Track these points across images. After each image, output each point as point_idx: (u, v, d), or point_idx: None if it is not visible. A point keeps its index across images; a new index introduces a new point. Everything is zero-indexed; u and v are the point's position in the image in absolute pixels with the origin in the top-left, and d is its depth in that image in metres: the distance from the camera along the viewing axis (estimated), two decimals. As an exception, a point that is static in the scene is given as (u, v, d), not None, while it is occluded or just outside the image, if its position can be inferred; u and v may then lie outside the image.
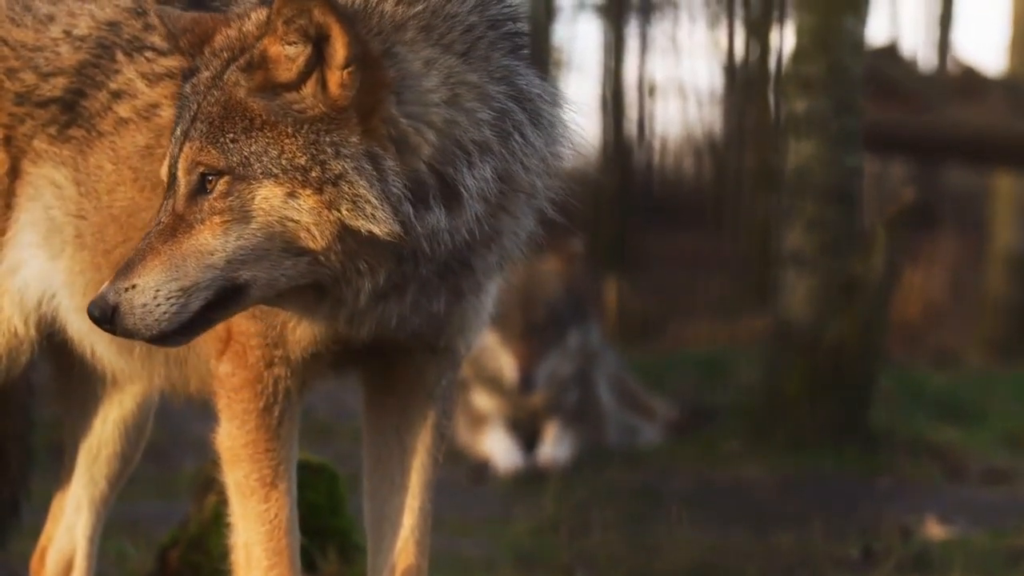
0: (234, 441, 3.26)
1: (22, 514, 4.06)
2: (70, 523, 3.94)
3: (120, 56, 3.48)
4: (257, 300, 2.97)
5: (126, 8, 3.51)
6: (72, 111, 3.50)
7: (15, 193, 3.55)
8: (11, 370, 3.67)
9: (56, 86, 3.52)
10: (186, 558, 4.41)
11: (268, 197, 2.88)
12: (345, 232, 2.88)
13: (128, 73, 3.46)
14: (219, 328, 3.25)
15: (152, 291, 2.90)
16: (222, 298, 2.93)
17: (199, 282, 2.91)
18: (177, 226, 2.93)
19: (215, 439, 3.29)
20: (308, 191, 2.87)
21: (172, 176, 2.97)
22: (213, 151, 2.91)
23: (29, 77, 3.54)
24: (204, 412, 3.41)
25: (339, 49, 2.87)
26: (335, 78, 2.88)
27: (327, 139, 2.88)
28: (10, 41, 3.57)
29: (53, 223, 3.51)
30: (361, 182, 2.86)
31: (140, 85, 3.44)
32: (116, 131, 3.44)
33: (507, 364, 7.55)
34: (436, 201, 2.93)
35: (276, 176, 2.88)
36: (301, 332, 3.20)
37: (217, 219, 2.90)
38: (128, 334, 2.93)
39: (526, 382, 7.52)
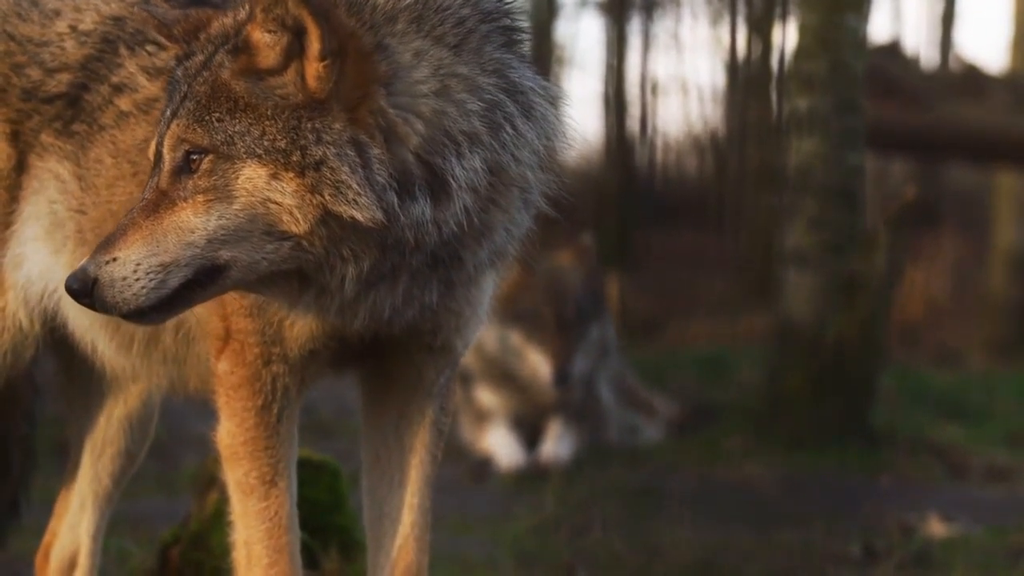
0: (233, 439, 3.26)
1: (22, 514, 4.06)
2: (74, 520, 3.95)
3: (123, 50, 3.49)
4: (238, 282, 2.96)
5: (131, 3, 3.52)
6: (76, 106, 3.51)
7: (21, 187, 3.55)
8: (16, 365, 3.67)
9: (61, 82, 3.53)
10: (187, 555, 4.41)
11: (252, 177, 2.89)
12: (328, 216, 2.88)
13: (129, 67, 3.47)
14: (218, 326, 3.26)
15: (132, 265, 2.90)
16: (202, 278, 2.92)
17: (179, 259, 2.90)
18: (160, 202, 2.93)
19: (215, 437, 3.29)
20: (290, 174, 2.87)
21: (158, 154, 2.98)
22: (198, 129, 2.92)
23: (35, 73, 3.55)
24: (205, 409, 3.41)
25: (314, 42, 2.89)
26: (312, 70, 2.89)
27: (308, 125, 2.88)
28: (17, 36, 3.58)
29: (56, 217, 3.52)
30: (343, 168, 2.86)
31: (141, 79, 3.45)
32: (117, 125, 3.45)
33: (539, 361, 7.46)
34: (422, 191, 2.92)
35: (259, 157, 2.88)
36: (298, 329, 3.20)
37: (200, 198, 2.90)
38: (106, 308, 2.92)
39: (563, 378, 7.45)
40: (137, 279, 2.89)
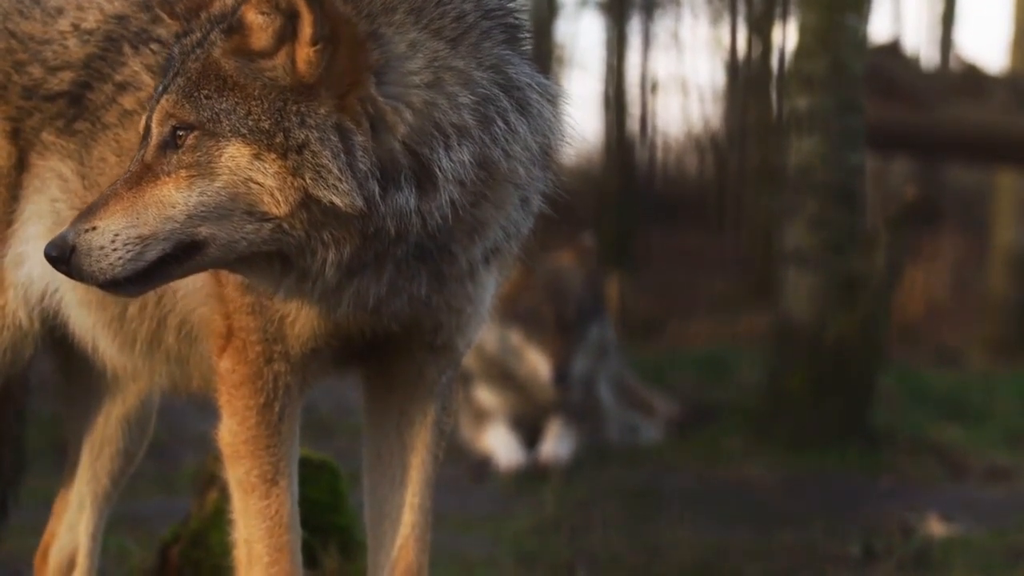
0: (235, 437, 3.26)
1: (10, 514, 4.05)
2: (73, 520, 3.94)
3: (127, 49, 3.50)
4: (216, 260, 2.96)
5: (135, 2, 3.53)
6: (79, 105, 3.51)
7: (22, 185, 3.55)
8: (15, 364, 3.66)
9: (63, 80, 3.53)
10: (187, 554, 4.41)
11: (235, 156, 2.89)
12: (309, 200, 2.88)
13: (134, 65, 3.48)
14: (220, 324, 3.26)
15: (111, 235, 2.91)
16: (179, 253, 2.93)
17: (157, 233, 2.91)
18: (144, 175, 2.94)
19: (217, 436, 3.29)
20: (273, 155, 2.88)
21: (147, 128, 3.00)
22: (187, 105, 2.93)
23: (36, 71, 3.55)
24: (205, 408, 3.41)
25: (306, 27, 2.90)
26: (302, 54, 2.90)
27: (293, 108, 2.89)
28: (18, 34, 3.58)
29: (58, 217, 3.51)
30: (325, 152, 2.87)
31: (145, 78, 3.46)
32: (120, 123, 3.46)
33: (538, 361, 7.47)
34: (407, 181, 2.93)
35: (244, 136, 2.89)
36: (300, 327, 3.20)
37: (183, 173, 2.91)
38: (82, 276, 2.93)
39: (562, 377, 7.45)
40: (115, 249, 2.90)
